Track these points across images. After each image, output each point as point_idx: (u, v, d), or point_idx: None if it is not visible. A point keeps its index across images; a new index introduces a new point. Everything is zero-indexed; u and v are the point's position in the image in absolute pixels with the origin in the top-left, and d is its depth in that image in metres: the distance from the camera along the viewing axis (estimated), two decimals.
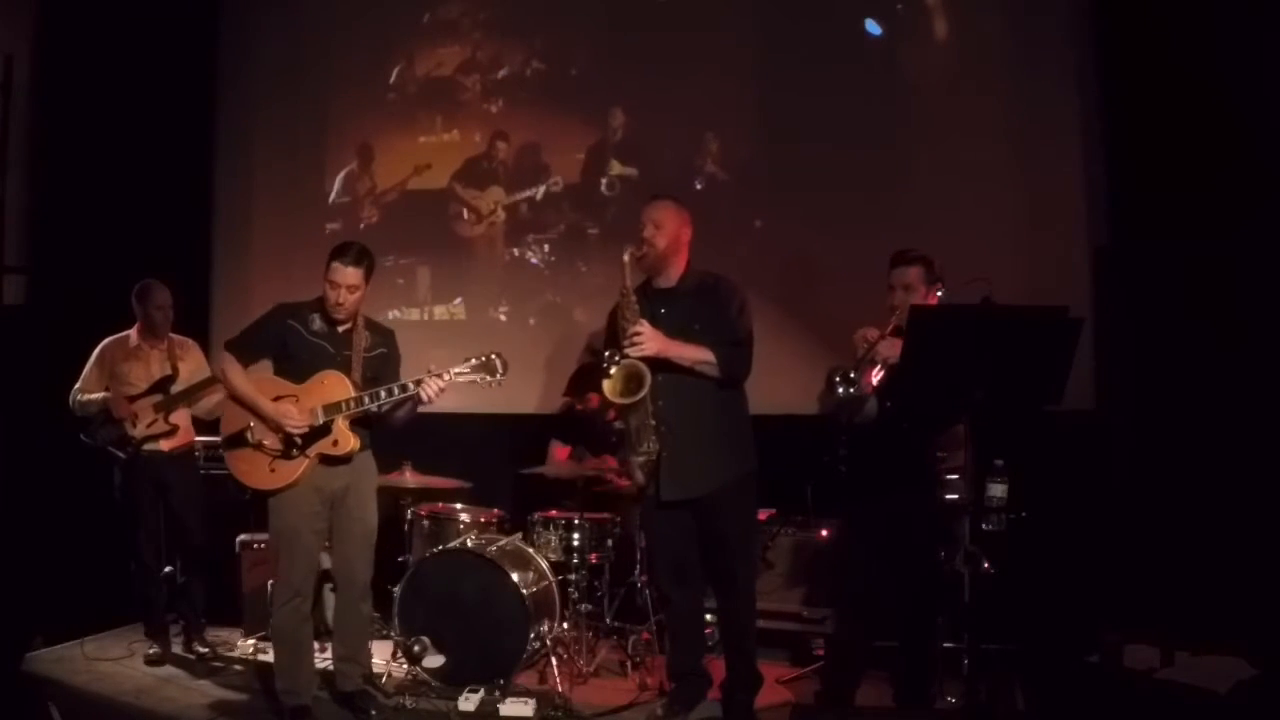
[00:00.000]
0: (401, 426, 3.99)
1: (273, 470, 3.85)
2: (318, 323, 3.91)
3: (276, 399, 3.84)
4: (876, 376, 3.75)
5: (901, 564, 4.02)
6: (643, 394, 3.63)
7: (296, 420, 3.78)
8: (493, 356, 3.79)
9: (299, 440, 3.81)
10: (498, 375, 3.80)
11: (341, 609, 4.05)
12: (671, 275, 3.88)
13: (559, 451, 5.38)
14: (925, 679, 4.07)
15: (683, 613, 3.99)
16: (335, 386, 3.82)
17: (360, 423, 3.90)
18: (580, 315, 6.00)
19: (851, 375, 3.64)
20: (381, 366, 3.98)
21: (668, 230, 3.84)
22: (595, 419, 5.31)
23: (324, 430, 3.82)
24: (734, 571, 3.89)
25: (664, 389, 3.71)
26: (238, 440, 3.89)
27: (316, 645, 4.14)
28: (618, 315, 3.80)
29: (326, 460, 3.85)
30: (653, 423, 3.71)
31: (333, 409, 3.79)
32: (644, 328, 3.67)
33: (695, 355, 3.74)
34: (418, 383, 3.77)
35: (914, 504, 3.99)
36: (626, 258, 3.76)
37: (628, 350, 3.65)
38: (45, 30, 5.91)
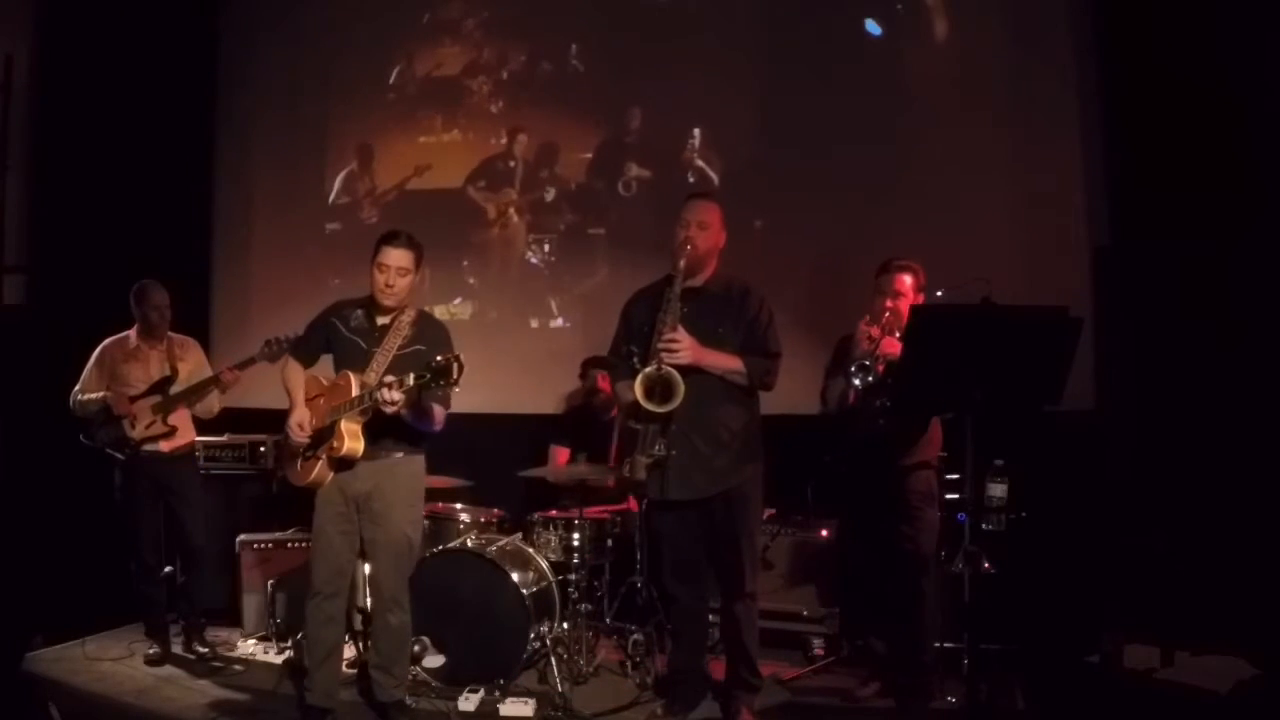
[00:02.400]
0: (420, 425, 3.82)
1: (300, 469, 3.89)
2: (357, 318, 3.89)
3: (313, 398, 3.87)
4: (881, 366, 3.87)
5: (890, 561, 4.04)
6: (674, 404, 3.59)
7: (298, 432, 3.81)
8: (450, 361, 3.43)
9: (307, 443, 3.83)
10: (452, 380, 3.44)
11: (374, 618, 4.00)
12: (701, 276, 3.85)
13: (560, 454, 5.38)
14: (924, 678, 4.08)
15: (687, 612, 3.98)
16: (344, 387, 3.77)
17: (382, 429, 3.78)
18: (581, 315, 6.00)
19: (868, 364, 3.82)
20: (419, 365, 3.74)
21: (712, 232, 3.83)
22: (600, 412, 5.31)
23: (331, 431, 3.77)
24: (739, 571, 3.88)
25: None
26: (285, 437, 3.96)
27: None
28: (656, 317, 3.71)
29: (335, 464, 3.80)
30: (673, 427, 3.69)
31: (337, 410, 3.74)
32: (682, 335, 3.64)
33: (727, 364, 3.73)
34: (370, 396, 3.60)
35: (888, 500, 4.03)
36: (682, 264, 3.72)
37: (664, 356, 3.62)
38: (45, 30, 5.91)
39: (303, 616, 3.97)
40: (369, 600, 4.07)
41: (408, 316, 3.90)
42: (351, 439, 3.73)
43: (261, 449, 5.46)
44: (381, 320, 3.88)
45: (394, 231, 3.91)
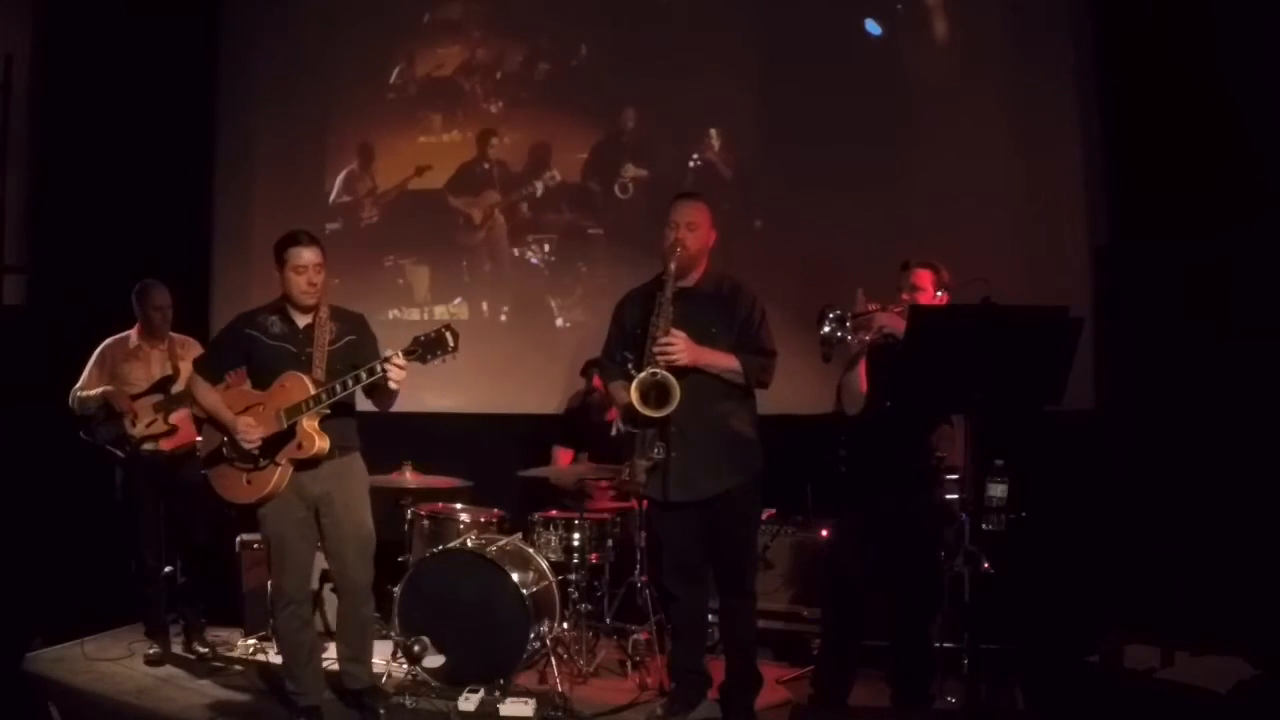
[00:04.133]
0: (386, 407, 3.88)
1: (249, 483, 3.82)
2: (277, 325, 3.85)
3: (245, 409, 3.80)
4: (869, 336, 3.72)
5: (898, 563, 4.02)
6: (670, 408, 3.58)
7: (250, 434, 3.74)
8: (444, 331, 3.56)
9: (259, 450, 3.77)
10: (449, 348, 3.55)
11: (343, 613, 4.03)
12: (692, 276, 3.84)
13: (562, 455, 5.37)
14: (924, 679, 4.08)
15: (689, 611, 3.98)
16: (294, 388, 3.74)
17: (341, 423, 3.84)
18: (581, 315, 6.01)
19: (844, 317, 3.62)
20: (354, 354, 3.84)
21: (701, 232, 3.80)
22: (595, 412, 5.31)
23: (290, 434, 3.75)
24: (739, 571, 3.90)
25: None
26: (215, 458, 3.89)
27: None
28: (648, 320, 3.70)
29: (299, 465, 3.79)
30: (671, 428, 3.68)
31: (293, 411, 3.72)
32: (677, 337, 3.63)
33: (724, 364, 3.73)
34: (370, 371, 3.63)
35: (911, 503, 4.00)
36: (674, 266, 3.71)
37: (660, 359, 3.61)
38: (45, 30, 5.91)
39: None
40: (337, 596, 4.10)
41: (325, 312, 3.90)
42: (319, 437, 3.75)
43: None
44: (302, 321, 3.87)
45: (291, 234, 3.86)
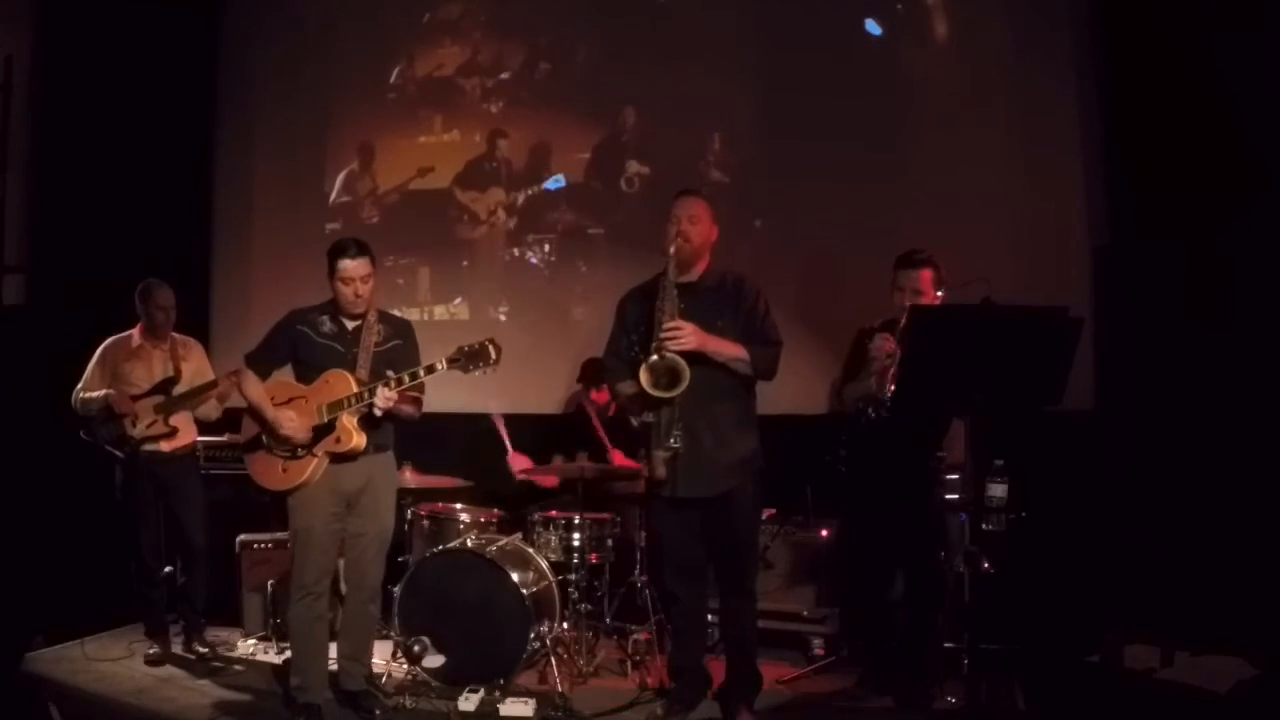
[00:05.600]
0: (405, 421, 4.04)
1: (285, 470, 3.93)
2: (327, 324, 3.98)
3: (288, 401, 3.91)
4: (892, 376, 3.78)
5: (900, 563, 4.03)
6: (682, 387, 3.59)
7: (290, 425, 3.85)
8: (487, 343, 3.72)
9: (302, 441, 3.87)
10: (490, 360, 3.71)
11: (349, 610, 4.11)
12: (695, 271, 3.86)
13: (516, 460, 5.31)
14: (925, 679, 4.08)
15: (689, 610, 3.98)
16: (338, 384, 3.87)
17: (375, 423, 3.93)
18: (581, 314, 6.01)
19: (883, 401, 3.81)
20: (398, 359, 3.98)
21: (702, 226, 3.83)
22: (602, 413, 5.31)
23: (329, 428, 3.86)
24: (741, 570, 3.90)
25: None
26: (254, 444, 4.00)
27: None
28: (655, 308, 3.71)
29: (335, 458, 3.89)
30: (679, 418, 3.68)
31: (335, 406, 3.84)
32: (683, 323, 3.64)
33: (731, 352, 3.73)
34: (413, 375, 3.77)
35: (914, 503, 4.00)
36: (673, 250, 3.73)
37: (667, 344, 3.62)
38: (45, 30, 5.91)
39: None
40: (344, 592, 4.20)
41: (373, 315, 4.02)
42: (356, 433, 3.87)
43: None
44: (351, 324, 3.99)
45: (341, 244, 3.95)
